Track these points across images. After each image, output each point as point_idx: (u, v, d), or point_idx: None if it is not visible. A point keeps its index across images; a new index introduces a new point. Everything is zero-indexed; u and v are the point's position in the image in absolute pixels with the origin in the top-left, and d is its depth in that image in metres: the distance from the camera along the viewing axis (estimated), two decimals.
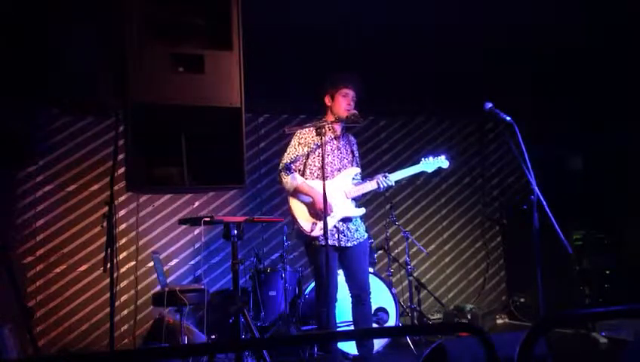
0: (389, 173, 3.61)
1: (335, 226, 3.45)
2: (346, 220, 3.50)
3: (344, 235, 3.47)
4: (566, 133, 5.80)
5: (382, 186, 3.52)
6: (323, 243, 3.28)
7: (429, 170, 3.73)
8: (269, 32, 4.31)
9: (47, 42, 3.86)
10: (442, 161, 3.72)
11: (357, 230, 3.54)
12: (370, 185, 3.54)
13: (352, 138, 3.75)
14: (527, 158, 2.97)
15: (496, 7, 4.23)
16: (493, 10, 4.30)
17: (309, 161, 3.52)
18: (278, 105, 5.80)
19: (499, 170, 6.56)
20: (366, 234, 3.62)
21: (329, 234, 3.37)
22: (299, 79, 5.13)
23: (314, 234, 3.41)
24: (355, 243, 3.50)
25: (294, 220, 3.49)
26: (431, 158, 3.71)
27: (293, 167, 3.51)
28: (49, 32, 3.75)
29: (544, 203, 2.91)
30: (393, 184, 3.55)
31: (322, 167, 3.26)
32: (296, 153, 3.52)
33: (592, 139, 5.60)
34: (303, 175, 3.53)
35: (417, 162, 3.72)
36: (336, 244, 3.44)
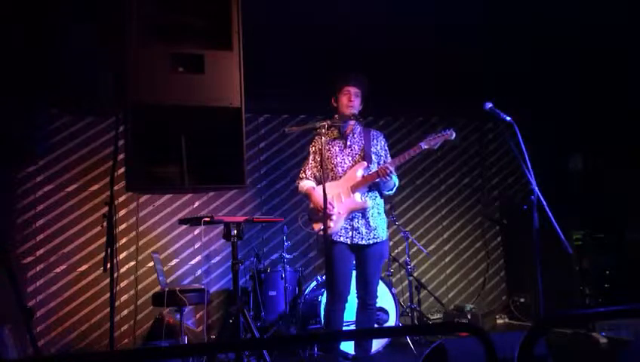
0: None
1: (350, 224, 3.43)
2: (359, 216, 3.44)
3: (359, 233, 3.42)
4: (566, 133, 5.80)
5: (384, 176, 3.35)
6: (334, 239, 3.37)
7: (435, 147, 3.42)
8: (269, 32, 4.31)
9: (47, 42, 3.86)
10: (447, 133, 3.38)
11: (375, 229, 3.46)
12: (371, 176, 3.43)
13: (373, 132, 3.64)
14: (527, 158, 2.97)
15: (496, 7, 4.23)
16: (493, 10, 4.30)
17: (324, 165, 3.54)
18: (278, 105, 5.80)
19: (499, 170, 6.56)
20: (384, 236, 3.51)
21: (343, 231, 3.41)
22: (299, 79, 5.14)
23: (321, 233, 3.39)
24: (371, 242, 3.43)
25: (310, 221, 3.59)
26: (434, 135, 3.41)
27: (304, 176, 3.62)
28: (49, 32, 3.75)
29: (544, 203, 2.91)
30: (392, 170, 3.36)
31: (322, 167, 3.29)
32: (308, 161, 3.63)
33: (592, 139, 5.61)
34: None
35: (422, 140, 3.44)
36: (349, 242, 3.40)
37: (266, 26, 4.17)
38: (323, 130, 3.29)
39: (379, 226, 3.49)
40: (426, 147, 3.42)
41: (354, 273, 3.55)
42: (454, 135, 3.41)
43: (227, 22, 2.29)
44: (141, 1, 2.20)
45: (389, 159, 3.61)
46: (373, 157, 3.56)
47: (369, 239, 3.44)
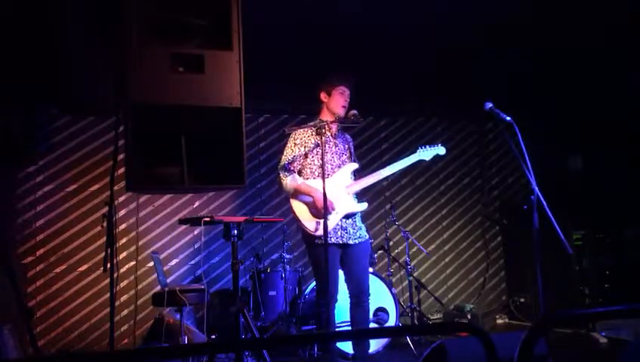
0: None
1: (339, 223, 3.45)
2: (349, 217, 3.50)
3: (347, 232, 3.47)
4: (566, 133, 5.80)
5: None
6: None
7: (427, 158, 3.68)
8: (269, 31, 4.31)
9: (47, 42, 3.86)
10: (439, 148, 3.70)
11: (360, 228, 3.55)
12: (370, 179, 3.55)
13: (347, 136, 3.77)
14: (527, 158, 2.97)
15: (496, 7, 4.23)
16: (493, 10, 4.31)
17: (308, 160, 3.53)
18: (278, 105, 5.80)
19: (499, 170, 6.56)
20: (367, 236, 3.62)
21: (332, 232, 3.40)
22: (299, 79, 5.13)
23: (318, 233, 3.38)
24: (357, 241, 3.50)
25: (297, 220, 3.50)
26: (428, 147, 3.69)
27: (292, 168, 3.53)
28: (49, 32, 3.75)
29: (544, 203, 2.91)
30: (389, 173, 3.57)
31: (322, 166, 3.27)
32: (293, 154, 3.53)
33: (592, 139, 5.61)
34: (300, 175, 3.54)
35: (414, 151, 3.69)
36: (340, 242, 3.43)
37: (266, 26, 4.17)
38: (323, 130, 3.31)
39: (362, 226, 3.59)
40: (421, 158, 3.64)
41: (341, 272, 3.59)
42: (444, 150, 3.71)
43: (227, 22, 2.29)
44: (141, 1, 2.20)
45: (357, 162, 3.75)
46: None
47: (356, 238, 3.50)
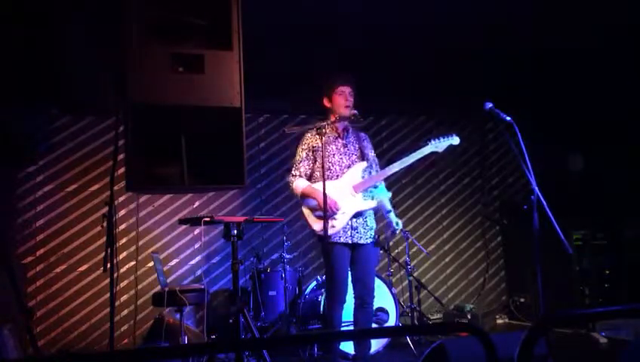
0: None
1: (348, 223, 3.44)
2: (359, 216, 3.48)
3: (357, 232, 3.45)
4: (566, 133, 5.80)
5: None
6: (334, 240, 3.36)
7: (440, 150, 3.56)
8: (269, 31, 4.31)
9: (47, 42, 3.86)
10: (453, 138, 3.55)
11: (371, 228, 3.53)
12: (379, 176, 3.55)
13: (361, 134, 3.73)
14: (527, 158, 2.97)
15: (496, 7, 4.23)
16: (493, 11, 4.30)
17: (317, 164, 3.54)
18: (278, 105, 5.80)
19: (499, 170, 6.57)
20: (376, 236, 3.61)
21: (342, 231, 3.40)
22: (299, 79, 5.14)
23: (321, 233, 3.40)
24: (368, 241, 3.49)
25: (307, 222, 3.52)
26: (441, 139, 3.55)
27: (298, 173, 3.55)
28: (49, 32, 3.75)
29: (544, 203, 2.91)
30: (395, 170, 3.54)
31: (322, 167, 3.28)
32: (301, 158, 3.56)
33: (592, 139, 5.60)
34: (311, 178, 3.55)
35: (425, 144, 3.55)
36: (350, 241, 3.42)
37: (266, 26, 4.17)
38: (323, 130, 3.32)
39: (374, 226, 3.57)
40: (433, 150, 3.54)
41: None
42: (458, 140, 3.58)
43: (227, 22, 2.29)
44: (141, 1, 2.20)
45: (376, 160, 3.71)
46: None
47: (367, 238, 3.48)
